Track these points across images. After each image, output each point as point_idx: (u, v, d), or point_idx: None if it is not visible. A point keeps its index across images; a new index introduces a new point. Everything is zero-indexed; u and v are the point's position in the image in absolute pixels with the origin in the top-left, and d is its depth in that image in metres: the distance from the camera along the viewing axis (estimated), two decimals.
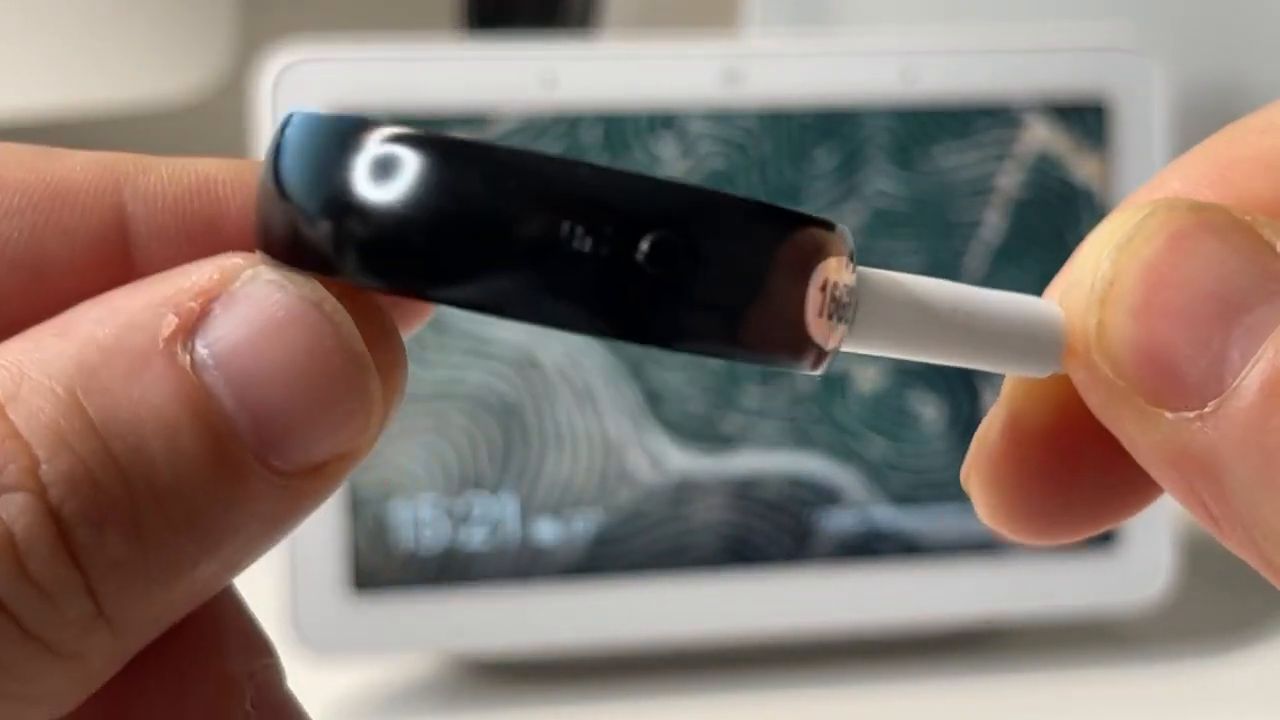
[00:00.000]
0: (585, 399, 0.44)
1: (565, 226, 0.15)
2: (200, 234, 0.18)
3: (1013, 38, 0.47)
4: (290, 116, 0.16)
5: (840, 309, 0.16)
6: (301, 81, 0.42)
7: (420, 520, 0.43)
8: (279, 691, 0.18)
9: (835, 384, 0.45)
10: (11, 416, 0.15)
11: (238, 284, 0.16)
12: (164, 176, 0.18)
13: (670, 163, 0.44)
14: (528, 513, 0.44)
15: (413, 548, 0.43)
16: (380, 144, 0.15)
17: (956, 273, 0.45)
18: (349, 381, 0.16)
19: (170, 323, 0.15)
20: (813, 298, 0.16)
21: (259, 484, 0.15)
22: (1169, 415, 0.16)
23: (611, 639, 0.44)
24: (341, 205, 0.15)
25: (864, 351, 0.17)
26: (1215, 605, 0.48)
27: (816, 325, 0.16)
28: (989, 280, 0.45)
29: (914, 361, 0.18)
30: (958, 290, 0.17)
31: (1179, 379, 0.16)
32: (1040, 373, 0.18)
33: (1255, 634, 0.47)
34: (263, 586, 0.40)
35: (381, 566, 0.43)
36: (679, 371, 0.44)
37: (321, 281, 0.16)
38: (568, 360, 0.44)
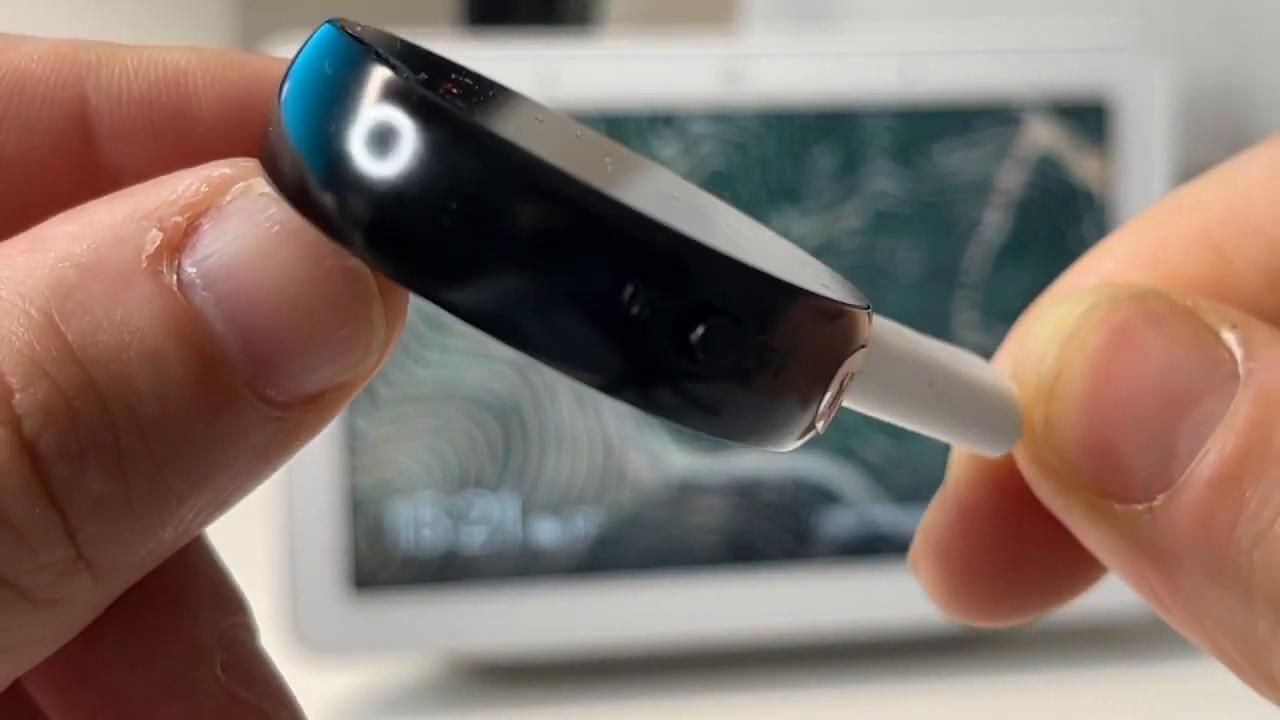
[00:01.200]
0: (585, 399, 0.44)
1: (625, 286, 0.13)
2: (170, 132, 0.17)
3: (1013, 37, 0.47)
4: (319, 32, 0.14)
5: (841, 394, 0.16)
6: None
7: (420, 520, 0.43)
8: (251, 652, 0.17)
9: None
10: None
11: (228, 198, 0.14)
12: (129, 68, 0.17)
13: (670, 162, 0.44)
14: (528, 513, 0.44)
15: (413, 548, 0.43)
16: (392, 106, 0.13)
17: (956, 274, 0.45)
18: (349, 304, 0.14)
19: (154, 238, 0.14)
20: (830, 393, 0.15)
21: (251, 415, 0.14)
22: (1118, 508, 0.16)
23: (611, 639, 0.44)
24: (345, 180, 0.13)
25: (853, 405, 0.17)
26: None
27: (819, 413, 0.15)
28: (989, 280, 0.45)
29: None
30: (934, 360, 0.17)
31: (1127, 473, 0.16)
32: (995, 451, 0.18)
33: None
34: (262, 587, 0.40)
35: (381, 566, 0.43)
36: None
37: None
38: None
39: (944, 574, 0.20)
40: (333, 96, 0.14)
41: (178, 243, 0.14)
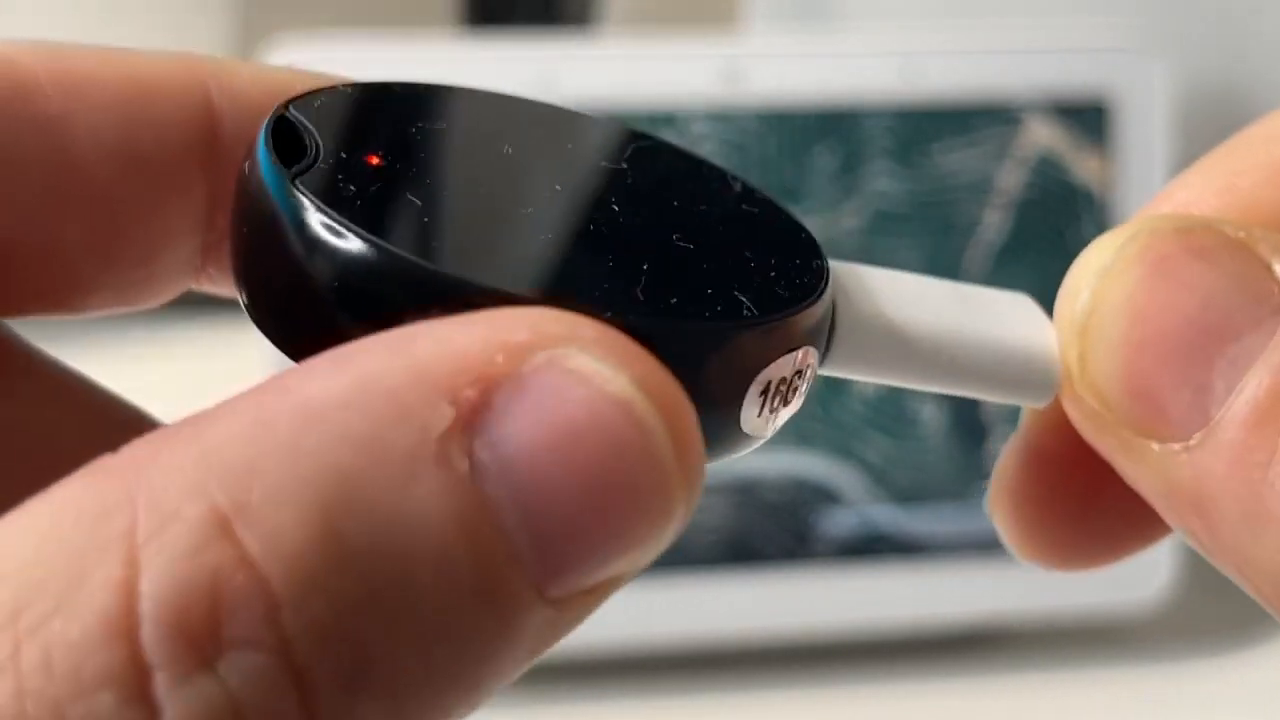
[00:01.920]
0: None
1: None
2: None
3: (1013, 37, 0.47)
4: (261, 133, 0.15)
5: (790, 393, 0.16)
6: None
7: None
8: None
9: (835, 384, 0.45)
10: (242, 535, 0.11)
11: (528, 368, 0.12)
12: (247, 79, 0.17)
13: None
14: None
15: None
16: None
17: (956, 274, 0.45)
18: (653, 500, 0.13)
19: (446, 415, 0.12)
20: (751, 403, 0.15)
21: (528, 613, 0.12)
22: (1155, 447, 0.16)
23: (611, 639, 0.44)
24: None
25: (841, 375, 0.17)
26: (1215, 605, 0.48)
27: (755, 423, 0.15)
28: (989, 281, 0.45)
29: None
30: (945, 315, 0.17)
31: (1163, 412, 0.16)
32: (1037, 403, 0.17)
33: (1255, 634, 0.47)
34: None
35: None
36: None
37: (641, 359, 0.13)
38: None
39: (1019, 519, 0.19)
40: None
41: (472, 421, 0.12)
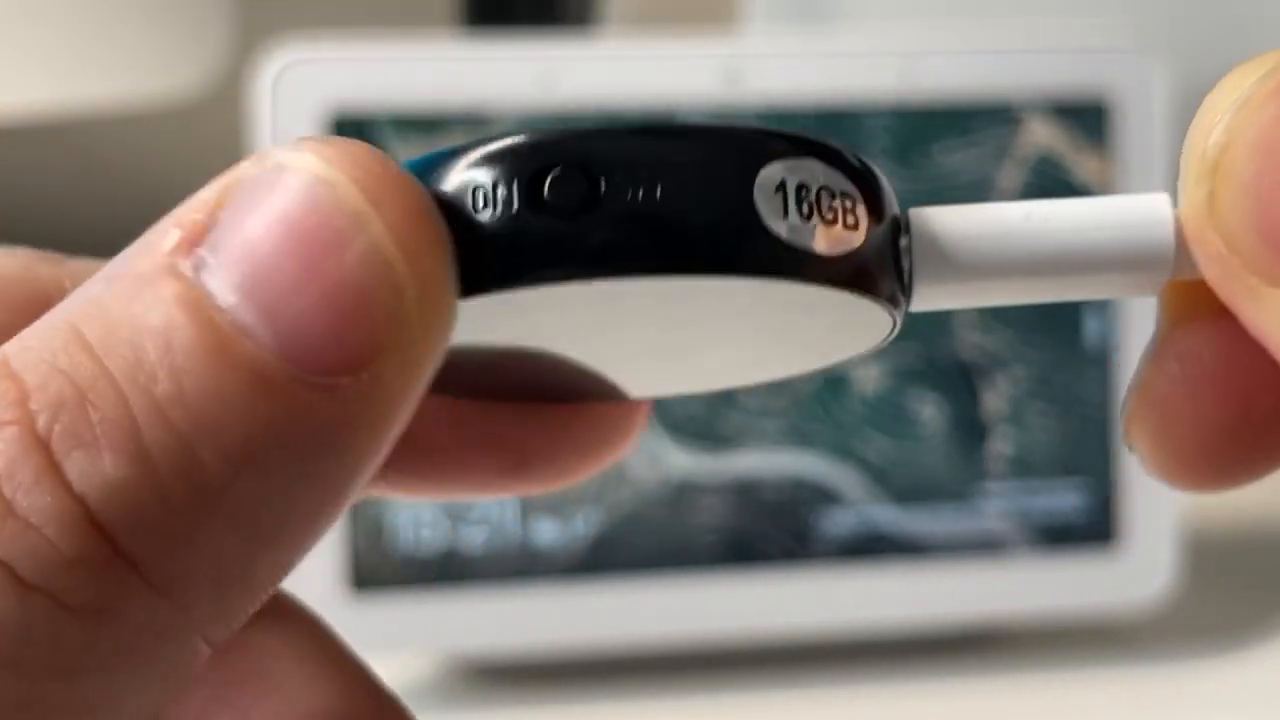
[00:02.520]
0: None
1: (475, 192, 0.15)
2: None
3: (1013, 37, 0.46)
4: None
5: (821, 206, 0.15)
6: (299, 81, 0.42)
7: (419, 520, 0.43)
8: None
9: (835, 384, 0.45)
10: (8, 355, 0.14)
11: (246, 178, 0.14)
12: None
13: None
14: (527, 513, 0.44)
15: (412, 548, 0.43)
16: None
17: None
18: (354, 247, 0.14)
19: (173, 236, 0.14)
20: (766, 196, 0.15)
21: (290, 387, 0.14)
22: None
23: (611, 639, 0.44)
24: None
25: (943, 308, 0.16)
26: (1215, 605, 0.48)
27: (783, 224, 0.15)
28: None
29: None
30: (1036, 226, 0.16)
31: None
32: (1154, 284, 0.16)
33: (1255, 634, 0.47)
34: None
35: (380, 567, 0.43)
36: None
37: (342, 147, 0.14)
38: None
39: (1169, 436, 0.18)
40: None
41: (197, 237, 0.14)
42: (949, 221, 0.16)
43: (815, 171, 0.15)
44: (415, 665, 0.45)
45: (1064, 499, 0.45)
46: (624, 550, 0.44)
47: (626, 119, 0.16)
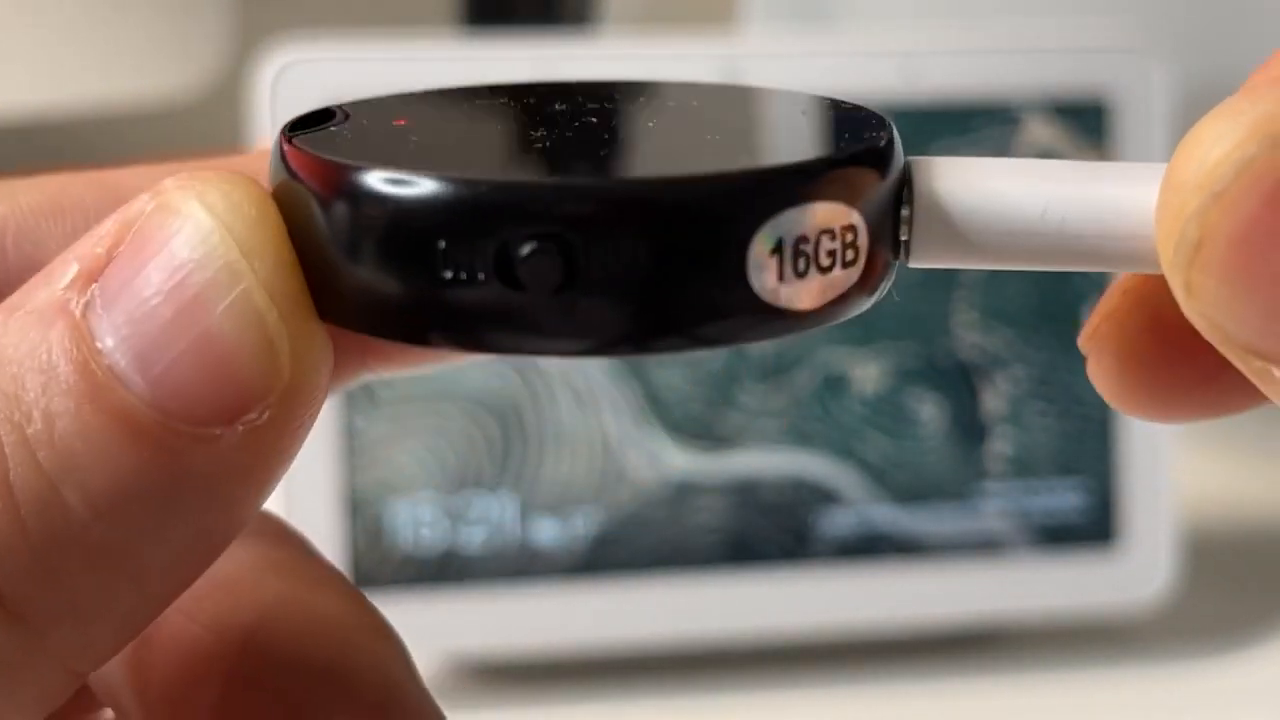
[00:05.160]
0: (585, 399, 0.44)
1: (441, 260, 0.14)
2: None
3: (1013, 37, 0.47)
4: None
5: (821, 255, 0.14)
6: (299, 80, 0.42)
7: (419, 520, 0.43)
8: None
9: (835, 383, 0.45)
10: None
11: (139, 222, 0.14)
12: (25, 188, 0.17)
13: None
14: (527, 513, 0.44)
15: (411, 547, 0.43)
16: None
17: (956, 273, 0.45)
18: (226, 299, 0.14)
19: (71, 270, 0.14)
20: (759, 264, 0.14)
21: (159, 435, 0.14)
22: (1277, 372, 0.14)
23: (611, 639, 0.44)
24: None
25: (938, 266, 0.16)
26: (1215, 605, 0.48)
27: (775, 288, 0.14)
28: (988, 280, 0.45)
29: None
30: (1052, 227, 0.15)
31: None
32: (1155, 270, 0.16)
33: (1255, 634, 0.47)
34: None
35: (380, 566, 0.43)
36: (679, 371, 0.44)
37: (231, 185, 0.14)
38: (568, 360, 0.44)
39: (1121, 356, 0.18)
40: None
41: (94, 273, 0.14)
42: (957, 201, 0.16)
43: (817, 215, 0.14)
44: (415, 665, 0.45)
45: (1064, 499, 0.45)
46: (624, 550, 0.44)
47: (618, 135, 0.15)
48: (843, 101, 0.17)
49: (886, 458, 0.45)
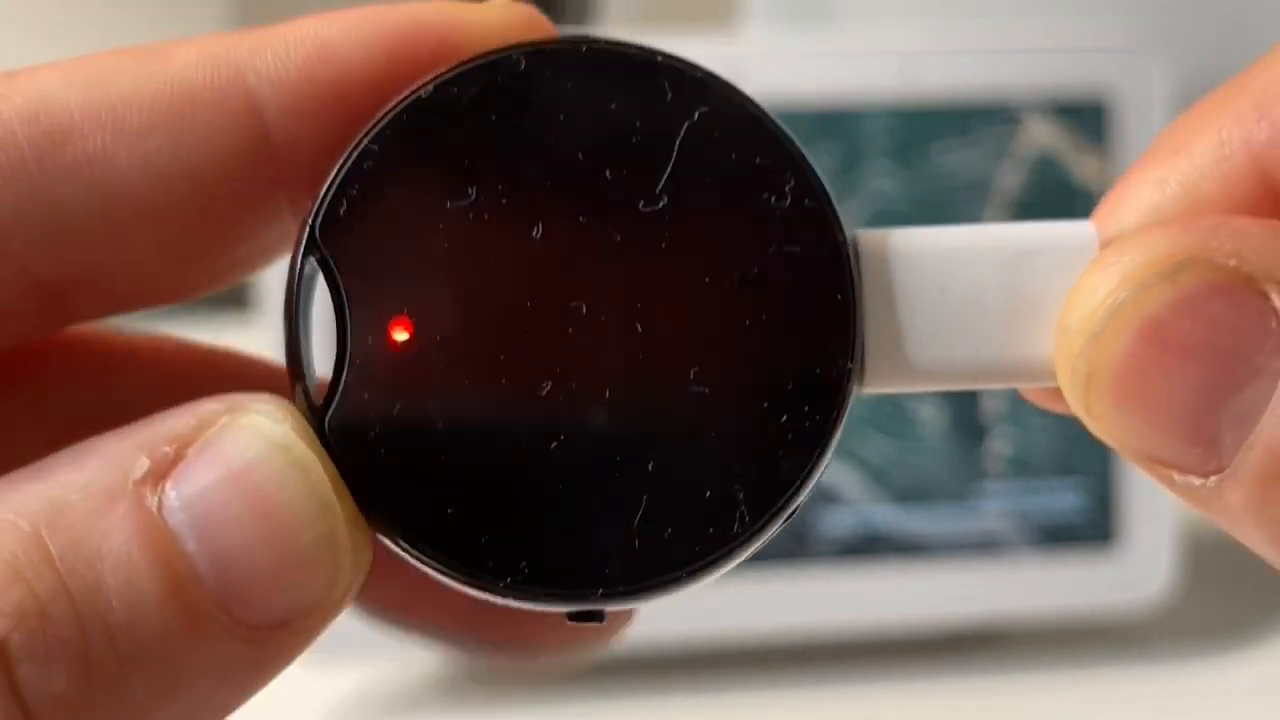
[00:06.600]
0: None
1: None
2: (331, 99, 0.17)
3: (1012, 37, 0.46)
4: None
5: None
6: None
7: None
8: None
9: None
10: None
11: (213, 430, 0.15)
12: (280, 52, 0.17)
13: None
14: None
15: None
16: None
17: None
18: (313, 529, 0.15)
19: (143, 465, 0.15)
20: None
21: (219, 633, 0.15)
22: (1177, 477, 0.16)
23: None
24: None
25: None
26: (1215, 605, 0.48)
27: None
28: None
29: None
30: (983, 328, 0.17)
31: (1175, 463, 0.16)
32: None
33: (1255, 634, 0.47)
34: None
35: None
36: None
37: (302, 421, 0.16)
38: None
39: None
40: None
41: (164, 470, 0.15)
42: (897, 365, 0.17)
43: (798, 514, 0.17)
44: (415, 665, 0.46)
45: (1063, 499, 0.45)
46: None
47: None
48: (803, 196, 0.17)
49: (886, 458, 0.45)
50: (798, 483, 0.16)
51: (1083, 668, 0.46)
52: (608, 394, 0.16)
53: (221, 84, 0.17)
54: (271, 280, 0.42)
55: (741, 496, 0.16)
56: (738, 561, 0.16)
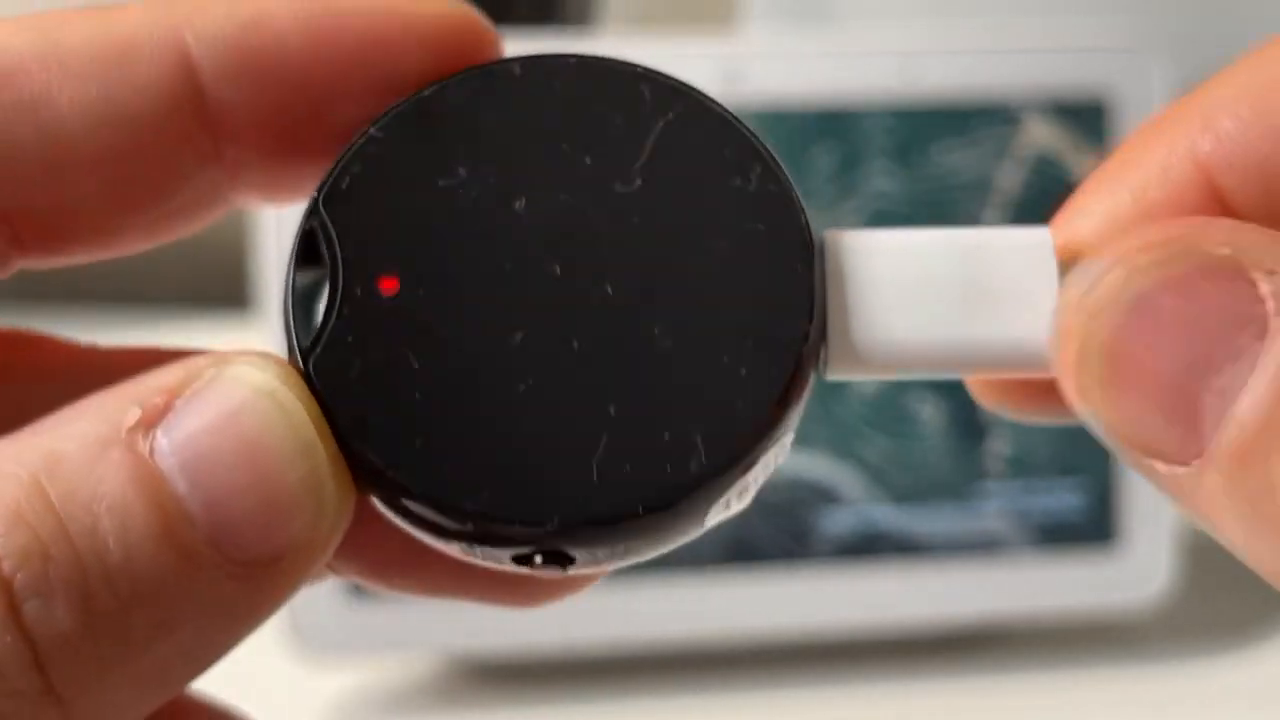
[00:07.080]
0: None
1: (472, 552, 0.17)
2: (266, 69, 0.18)
3: (1012, 36, 0.47)
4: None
5: (750, 485, 0.18)
6: None
7: None
8: None
9: (835, 384, 0.45)
10: None
11: (201, 381, 0.16)
12: (220, 16, 0.18)
13: None
14: None
15: None
16: None
17: None
18: (298, 469, 0.16)
19: (134, 414, 0.16)
20: (714, 514, 0.18)
21: (211, 571, 0.16)
22: (1160, 466, 0.16)
23: (612, 639, 0.44)
24: None
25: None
26: (1215, 605, 0.48)
27: (720, 516, 0.18)
28: None
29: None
30: (944, 316, 0.18)
31: (1157, 446, 0.16)
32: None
33: (1255, 634, 0.47)
34: None
35: None
36: None
37: (288, 369, 0.17)
38: None
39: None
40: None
41: (154, 418, 0.16)
42: (862, 352, 0.18)
43: (757, 473, 0.17)
44: (415, 665, 0.46)
45: (1062, 499, 0.45)
46: None
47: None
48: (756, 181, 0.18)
49: (886, 457, 0.45)
50: (754, 432, 0.17)
51: (1082, 668, 0.46)
52: (575, 344, 0.17)
53: (159, 38, 0.18)
54: (271, 280, 0.42)
55: (699, 441, 0.17)
56: (698, 505, 0.17)
